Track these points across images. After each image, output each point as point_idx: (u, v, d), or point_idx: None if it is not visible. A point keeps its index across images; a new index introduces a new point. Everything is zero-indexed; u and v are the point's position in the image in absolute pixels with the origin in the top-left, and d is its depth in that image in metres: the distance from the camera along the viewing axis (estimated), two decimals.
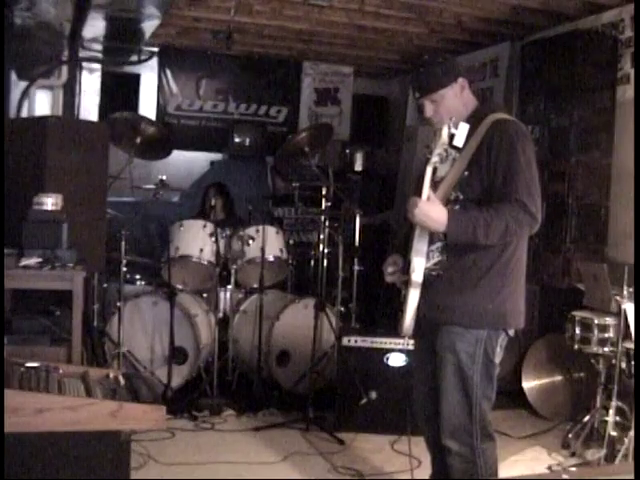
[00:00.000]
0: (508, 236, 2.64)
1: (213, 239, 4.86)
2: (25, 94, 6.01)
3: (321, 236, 5.00)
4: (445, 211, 2.61)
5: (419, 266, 2.67)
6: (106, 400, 2.56)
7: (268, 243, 4.86)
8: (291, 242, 5.35)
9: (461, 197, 2.69)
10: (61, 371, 2.79)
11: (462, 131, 2.62)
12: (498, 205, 2.61)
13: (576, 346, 4.17)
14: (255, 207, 5.48)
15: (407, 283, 2.67)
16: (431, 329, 2.80)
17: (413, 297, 2.66)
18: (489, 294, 2.71)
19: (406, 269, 2.70)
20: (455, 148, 2.63)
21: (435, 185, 2.72)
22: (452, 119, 2.63)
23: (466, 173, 2.67)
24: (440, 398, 2.79)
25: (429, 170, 2.63)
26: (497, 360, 2.79)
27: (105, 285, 4.90)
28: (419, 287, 2.67)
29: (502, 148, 2.64)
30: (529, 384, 4.86)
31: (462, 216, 2.63)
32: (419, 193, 2.63)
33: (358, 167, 7.28)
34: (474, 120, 2.72)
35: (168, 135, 5.28)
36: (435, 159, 2.62)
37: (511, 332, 2.80)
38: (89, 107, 6.69)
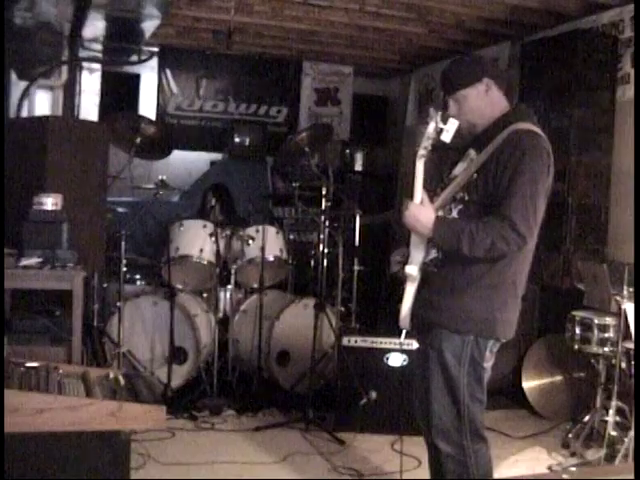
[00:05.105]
0: (494, 252, 2.61)
1: (213, 239, 4.86)
2: (25, 94, 5.99)
3: (321, 236, 4.99)
4: (433, 216, 2.64)
5: (415, 259, 2.72)
6: (106, 400, 2.56)
7: (268, 243, 4.86)
8: (291, 242, 5.35)
9: (466, 198, 2.70)
10: (61, 371, 2.79)
11: (451, 126, 2.63)
12: (488, 220, 2.61)
13: (576, 346, 4.17)
14: (255, 207, 5.48)
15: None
16: (423, 327, 2.81)
17: (409, 289, 2.72)
18: (478, 300, 2.69)
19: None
20: (442, 142, 2.64)
21: (448, 182, 2.77)
22: (439, 113, 2.64)
23: (475, 176, 2.68)
24: (429, 398, 2.78)
25: (419, 165, 2.65)
26: (487, 364, 2.76)
27: (105, 285, 4.90)
28: (414, 280, 2.72)
29: (510, 160, 2.62)
30: (529, 384, 4.85)
31: (448, 224, 2.66)
32: (412, 194, 2.65)
33: (358, 167, 7.28)
34: (499, 125, 2.72)
35: (168, 135, 5.28)
36: (422, 152, 2.65)
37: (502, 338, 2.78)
38: (89, 107, 6.69)
